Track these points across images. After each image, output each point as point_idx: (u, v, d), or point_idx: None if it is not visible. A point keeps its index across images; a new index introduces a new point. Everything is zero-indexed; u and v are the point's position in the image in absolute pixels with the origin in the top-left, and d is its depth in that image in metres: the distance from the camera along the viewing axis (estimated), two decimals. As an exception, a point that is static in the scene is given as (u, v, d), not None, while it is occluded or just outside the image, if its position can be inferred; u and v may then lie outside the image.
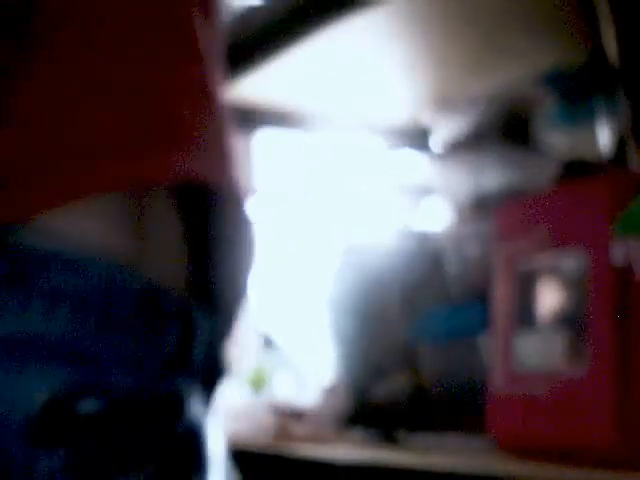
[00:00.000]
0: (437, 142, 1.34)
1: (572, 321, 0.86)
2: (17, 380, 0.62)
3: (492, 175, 1.19)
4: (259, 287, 2.42)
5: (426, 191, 1.42)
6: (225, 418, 1.34)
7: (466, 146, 1.25)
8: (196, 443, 0.71)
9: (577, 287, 0.86)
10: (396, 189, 1.51)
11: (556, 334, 0.87)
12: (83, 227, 0.67)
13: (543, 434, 0.88)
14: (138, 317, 0.69)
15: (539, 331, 0.90)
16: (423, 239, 1.27)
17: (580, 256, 0.86)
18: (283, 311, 2.15)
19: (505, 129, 1.23)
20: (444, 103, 1.38)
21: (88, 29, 0.67)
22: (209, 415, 0.78)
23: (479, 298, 1.06)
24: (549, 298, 0.89)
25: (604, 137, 1.16)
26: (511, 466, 0.87)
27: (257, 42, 1.25)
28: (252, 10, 1.28)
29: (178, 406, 0.71)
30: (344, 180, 1.98)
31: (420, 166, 1.58)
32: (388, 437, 1.11)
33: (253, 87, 1.37)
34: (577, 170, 1.12)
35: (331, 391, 1.28)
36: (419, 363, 1.21)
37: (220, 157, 0.71)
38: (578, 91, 1.18)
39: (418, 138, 1.57)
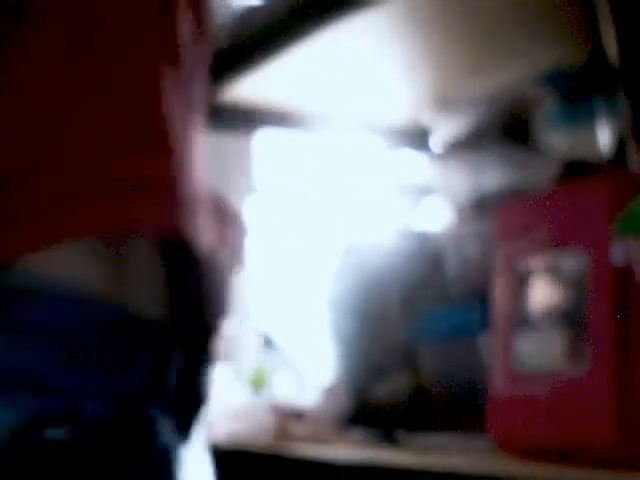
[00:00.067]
0: (437, 142, 1.34)
1: (572, 321, 0.86)
2: None
3: (492, 175, 1.19)
4: (259, 287, 2.42)
5: (426, 191, 1.42)
6: (225, 418, 1.35)
7: (466, 146, 1.25)
8: (167, 469, 0.72)
9: (577, 287, 0.86)
10: (396, 189, 1.51)
11: (556, 334, 0.87)
12: (57, 263, 0.68)
13: (543, 434, 0.88)
14: (107, 349, 0.70)
15: (539, 331, 0.90)
16: (423, 239, 1.27)
17: (580, 256, 0.86)
18: (283, 311, 2.15)
19: (505, 129, 1.23)
20: (444, 103, 1.38)
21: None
22: (188, 444, 0.79)
23: (479, 298, 1.06)
24: (549, 298, 0.89)
25: (604, 137, 1.16)
26: (511, 466, 0.87)
27: (257, 42, 1.25)
28: (252, 10, 1.28)
29: (148, 433, 0.72)
30: (344, 180, 1.98)
31: (420, 166, 1.58)
32: (388, 437, 1.11)
33: (253, 87, 1.38)
34: (577, 170, 1.12)
35: (331, 391, 1.28)
36: (419, 363, 1.21)
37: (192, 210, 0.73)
38: (578, 91, 1.18)
39: (418, 138, 1.57)
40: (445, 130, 1.32)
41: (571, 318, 0.86)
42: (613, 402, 0.81)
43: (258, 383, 1.57)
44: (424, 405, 1.19)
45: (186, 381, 0.78)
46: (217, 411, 1.35)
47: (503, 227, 0.98)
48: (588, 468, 0.80)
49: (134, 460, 0.71)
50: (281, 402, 1.30)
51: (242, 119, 1.48)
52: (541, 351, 0.89)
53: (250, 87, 1.37)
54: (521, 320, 0.92)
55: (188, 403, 0.80)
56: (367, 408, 1.25)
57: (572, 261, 0.87)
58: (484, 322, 1.00)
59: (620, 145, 1.13)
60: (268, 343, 1.93)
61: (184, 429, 0.79)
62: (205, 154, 0.81)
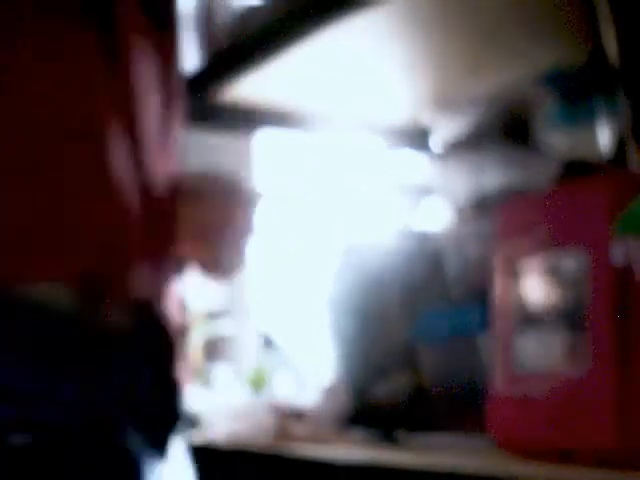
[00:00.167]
0: (437, 142, 1.34)
1: (572, 321, 0.86)
2: None
3: (492, 175, 1.19)
4: (259, 287, 2.42)
5: (426, 191, 1.42)
6: (225, 418, 1.35)
7: (466, 146, 1.25)
8: (132, 478, 0.75)
9: (577, 287, 0.86)
10: (396, 189, 1.51)
11: (556, 334, 0.87)
12: (39, 289, 0.72)
13: (543, 434, 0.88)
14: (75, 362, 0.74)
15: (539, 331, 0.90)
16: (423, 239, 1.27)
17: (580, 256, 0.86)
18: (283, 311, 2.15)
19: (505, 129, 1.23)
20: (444, 103, 1.38)
21: None
22: (164, 458, 0.81)
23: (479, 298, 1.06)
24: (549, 298, 0.89)
25: (604, 137, 1.16)
26: (511, 466, 0.87)
27: (257, 42, 1.25)
28: (252, 10, 1.28)
29: (113, 443, 0.74)
30: (344, 180, 1.98)
31: (420, 166, 1.58)
32: (388, 437, 1.11)
33: (253, 87, 1.37)
34: (577, 170, 1.12)
35: (331, 391, 1.28)
36: (419, 363, 1.21)
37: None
38: (578, 91, 1.18)
39: (418, 138, 1.57)
40: (445, 130, 1.32)
41: (571, 318, 0.86)
42: (613, 402, 0.81)
43: (258, 383, 1.57)
44: (424, 405, 1.19)
45: (157, 398, 0.81)
46: (217, 411, 1.35)
47: (503, 227, 0.98)
48: (588, 468, 0.80)
49: (97, 467, 0.74)
50: (281, 402, 1.30)
51: (242, 119, 1.48)
52: (541, 351, 0.89)
53: (250, 87, 1.37)
54: (521, 320, 0.92)
55: (161, 419, 0.82)
56: (367, 408, 1.25)
57: (572, 261, 0.87)
58: (484, 322, 1.00)
59: (620, 145, 1.13)
60: (268, 343, 1.93)
61: (158, 444, 0.81)
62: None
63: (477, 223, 1.18)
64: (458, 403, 1.14)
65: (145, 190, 0.83)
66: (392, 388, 1.22)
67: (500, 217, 0.99)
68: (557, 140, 1.18)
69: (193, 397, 1.43)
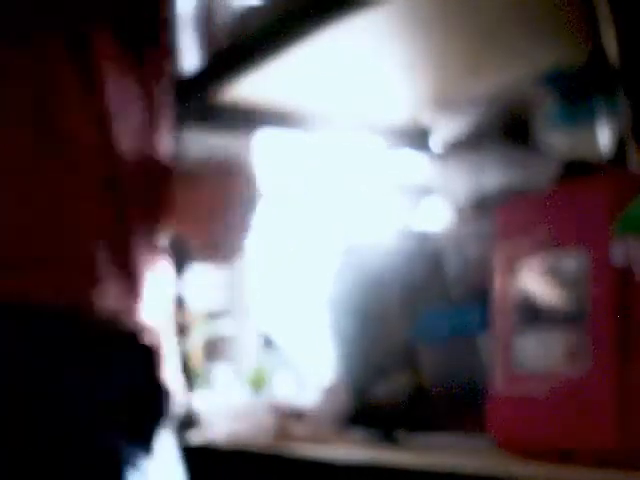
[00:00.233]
0: (437, 142, 1.34)
1: (572, 321, 0.86)
2: None
3: (492, 175, 1.19)
4: (259, 287, 2.42)
5: (426, 191, 1.42)
6: (225, 418, 1.35)
7: (466, 146, 1.25)
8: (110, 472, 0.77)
9: (577, 287, 0.86)
10: (396, 189, 1.51)
11: (556, 334, 0.87)
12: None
13: (543, 434, 0.88)
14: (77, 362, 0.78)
15: (539, 331, 0.90)
16: (423, 239, 1.27)
17: (580, 256, 0.86)
18: (283, 311, 2.15)
19: (505, 129, 1.23)
20: (444, 103, 1.38)
21: None
22: (150, 454, 0.82)
23: (479, 298, 1.06)
24: (549, 298, 0.89)
25: (604, 137, 1.16)
26: (511, 466, 0.87)
27: (257, 42, 1.25)
28: (252, 10, 1.28)
29: (95, 440, 0.77)
30: (344, 180, 1.98)
31: (420, 166, 1.58)
32: (388, 437, 1.11)
33: (253, 87, 1.37)
34: (577, 170, 1.12)
35: (331, 391, 1.28)
36: (419, 363, 1.21)
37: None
38: (578, 91, 1.18)
39: (418, 138, 1.57)
40: (445, 130, 1.32)
41: (571, 318, 0.86)
42: (613, 402, 0.81)
43: (258, 383, 1.57)
44: (424, 405, 1.19)
45: (139, 396, 0.82)
46: (217, 411, 1.35)
47: (503, 227, 0.98)
48: (588, 468, 0.80)
49: (81, 465, 0.76)
50: (281, 402, 1.30)
51: (242, 119, 1.48)
52: (541, 351, 0.89)
53: (250, 87, 1.37)
54: (521, 320, 0.92)
55: (147, 416, 0.83)
56: (367, 408, 1.25)
57: (572, 261, 0.87)
58: (484, 322, 1.00)
59: (620, 145, 1.13)
60: (268, 343, 1.93)
61: (144, 440, 0.83)
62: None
63: (477, 223, 1.18)
64: (458, 403, 1.14)
65: (120, 206, 0.86)
66: (392, 388, 1.22)
67: (500, 217, 0.99)
68: (557, 140, 1.18)
69: (193, 397, 1.43)
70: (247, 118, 1.49)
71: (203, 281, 2.30)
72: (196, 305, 1.85)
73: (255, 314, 2.42)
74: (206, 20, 1.39)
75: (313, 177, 2.15)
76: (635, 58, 1.07)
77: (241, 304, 2.45)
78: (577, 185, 0.91)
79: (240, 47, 1.31)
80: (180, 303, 1.44)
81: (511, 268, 0.95)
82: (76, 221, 0.83)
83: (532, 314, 0.91)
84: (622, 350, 0.81)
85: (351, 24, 1.14)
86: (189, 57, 1.41)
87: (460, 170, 1.23)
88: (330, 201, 2.03)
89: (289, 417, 1.25)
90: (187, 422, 1.40)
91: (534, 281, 0.92)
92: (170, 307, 1.07)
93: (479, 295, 1.07)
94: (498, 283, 0.97)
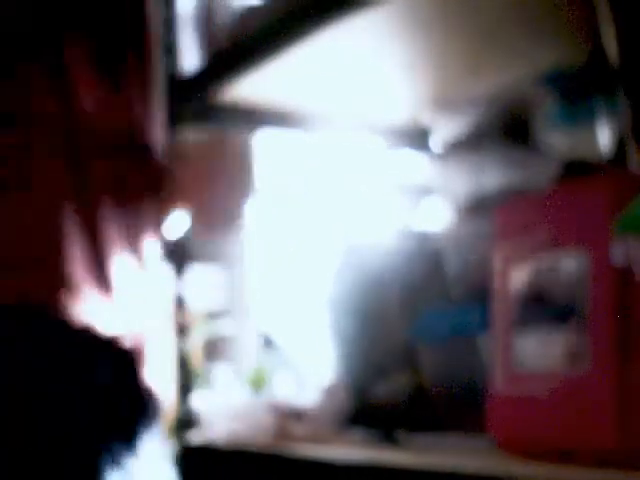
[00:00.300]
0: (437, 142, 1.34)
1: (572, 321, 0.86)
2: None
3: (492, 175, 1.19)
4: (259, 287, 2.42)
5: (426, 191, 1.42)
6: (225, 418, 1.35)
7: (466, 146, 1.25)
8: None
9: (577, 287, 0.86)
10: (396, 189, 1.51)
11: (556, 334, 0.87)
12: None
13: (543, 434, 0.88)
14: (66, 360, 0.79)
15: (539, 331, 0.90)
16: (423, 239, 1.27)
17: (580, 256, 0.86)
18: (283, 311, 2.15)
19: (505, 129, 1.23)
20: (444, 103, 1.38)
21: None
22: (135, 452, 0.83)
23: (479, 298, 1.06)
24: (549, 298, 0.89)
25: (604, 137, 1.16)
26: (511, 466, 0.87)
27: (257, 42, 1.25)
28: (252, 10, 1.28)
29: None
30: (344, 180, 1.98)
31: (420, 166, 1.58)
32: (388, 437, 1.11)
33: (253, 87, 1.37)
34: (577, 170, 1.12)
35: (331, 391, 1.28)
36: (419, 363, 1.21)
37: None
38: (578, 91, 1.18)
39: (418, 138, 1.57)
40: (445, 130, 1.32)
41: (571, 318, 0.86)
42: (613, 402, 0.81)
43: (258, 383, 1.57)
44: (424, 405, 1.19)
45: (120, 397, 0.83)
46: (217, 411, 1.35)
47: (503, 227, 0.98)
48: (588, 468, 0.80)
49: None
50: (281, 402, 1.30)
51: (242, 119, 1.48)
52: (541, 351, 0.89)
53: (250, 87, 1.37)
54: (521, 320, 0.92)
55: (128, 417, 0.83)
56: (367, 408, 1.25)
57: (572, 261, 0.87)
58: (484, 322, 1.00)
59: (620, 145, 1.13)
60: (268, 343, 1.93)
61: (126, 440, 0.83)
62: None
63: (477, 223, 1.18)
64: (458, 403, 1.14)
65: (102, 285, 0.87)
66: (392, 388, 1.22)
67: (500, 217, 0.99)
68: (557, 140, 1.18)
69: (193, 397, 1.43)
70: (247, 118, 1.49)
71: (203, 281, 2.30)
72: (196, 305, 1.85)
73: (255, 314, 2.42)
74: (206, 20, 1.39)
75: (313, 177, 2.15)
76: (635, 58, 1.07)
77: (241, 304, 2.45)
78: (577, 185, 0.91)
79: (240, 47, 1.31)
80: (180, 303, 1.44)
81: (511, 268, 0.95)
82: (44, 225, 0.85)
83: (532, 314, 0.91)
84: (622, 350, 0.81)
85: (351, 24, 1.14)
86: (189, 57, 1.41)
87: (460, 170, 1.23)
88: (330, 201, 2.03)
89: (289, 417, 1.25)
90: (187, 422, 1.40)
91: (534, 281, 0.92)
92: (164, 305, 1.08)
93: (479, 295, 1.07)
94: (498, 283, 0.97)
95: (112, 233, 0.90)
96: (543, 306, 0.90)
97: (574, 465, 0.81)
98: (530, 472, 0.83)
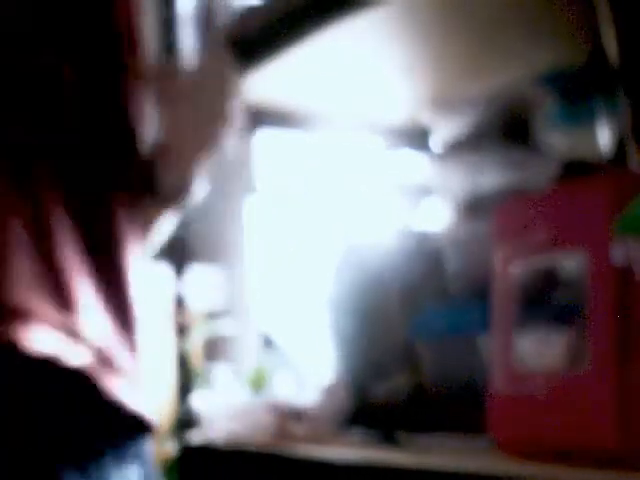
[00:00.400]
0: (436, 142, 1.34)
1: (572, 321, 0.86)
2: None
3: (491, 175, 1.19)
4: (259, 287, 2.42)
5: (426, 191, 1.42)
6: (224, 418, 1.34)
7: (465, 146, 1.25)
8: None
9: (577, 287, 0.86)
10: (396, 189, 1.51)
11: (556, 334, 0.87)
12: None
13: (543, 434, 0.88)
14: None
15: (539, 331, 0.90)
16: (423, 239, 1.27)
17: (580, 256, 0.86)
18: (283, 311, 2.15)
19: (505, 129, 1.23)
20: (443, 103, 1.38)
21: None
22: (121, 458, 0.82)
23: (479, 297, 1.06)
24: (549, 298, 0.89)
25: (604, 137, 1.16)
26: (511, 466, 0.87)
27: (257, 42, 1.25)
28: (252, 10, 1.28)
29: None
30: (344, 180, 1.98)
31: (419, 166, 1.58)
32: (388, 437, 1.11)
33: (253, 87, 1.37)
34: (577, 170, 1.12)
35: (331, 391, 1.28)
36: (419, 362, 1.21)
37: None
38: (578, 91, 1.18)
39: (417, 138, 1.57)
40: (444, 130, 1.32)
41: (571, 318, 0.86)
42: (613, 402, 0.81)
43: (258, 383, 1.57)
44: (424, 405, 1.19)
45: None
46: (217, 411, 1.35)
47: (503, 227, 0.98)
48: (588, 468, 0.80)
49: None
50: (281, 402, 1.30)
51: (242, 119, 1.48)
52: (541, 351, 0.89)
53: (250, 87, 1.37)
54: (521, 320, 0.92)
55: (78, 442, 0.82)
56: (367, 408, 1.25)
57: (572, 261, 0.87)
58: (484, 322, 1.00)
59: (620, 145, 1.13)
60: (268, 343, 1.93)
61: (113, 443, 0.82)
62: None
63: (477, 223, 1.18)
64: (458, 403, 1.14)
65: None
66: (392, 388, 1.22)
67: (500, 217, 0.99)
68: (557, 140, 1.18)
69: (193, 397, 1.43)
70: (247, 118, 1.49)
71: (203, 281, 2.31)
72: (196, 305, 1.85)
73: (255, 314, 2.42)
74: (206, 20, 1.39)
75: (313, 177, 2.15)
76: (635, 58, 1.07)
77: (241, 304, 2.45)
78: (577, 185, 0.91)
79: (240, 47, 1.31)
80: (180, 303, 1.44)
81: (511, 268, 0.95)
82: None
83: (532, 314, 0.91)
84: (622, 350, 0.81)
85: (351, 25, 1.14)
86: (189, 57, 1.41)
87: (459, 170, 1.23)
88: (330, 201, 2.03)
89: (289, 417, 1.25)
90: (187, 422, 1.40)
91: (534, 281, 0.92)
92: (164, 305, 1.05)
93: (479, 294, 1.07)
94: (498, 283, 0.97)
95: (71, 247, 0.83)
96: (543, 306, 0.90)
97: (574, 465, 0.81)
98: (530, 472, 0.83)
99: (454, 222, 1.25)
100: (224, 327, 2.27)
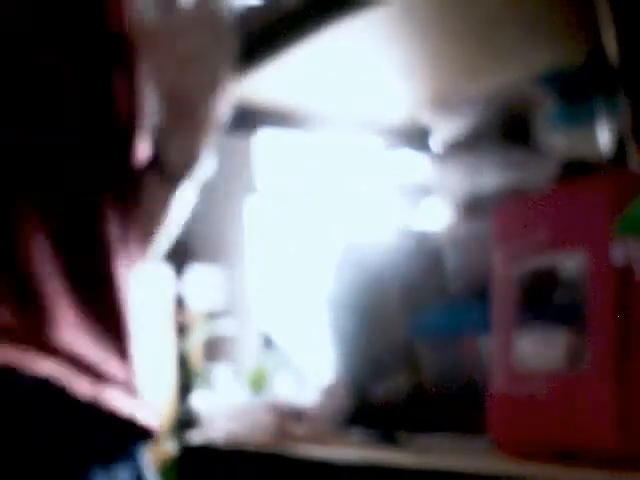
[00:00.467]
0: (436, 142, 1.34)
1: (572, 321, 0.86)
2: None
3: (490, 175, 1.19)
4: (260, 287, 2.42)
5: (425, 191, 1.42)
6: (224, 417, 1.34)
7: (465, 146, 1.25)
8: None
9: (577, 287, 0.86)
10: (395, 189, 1.51)
11: (556, 334, 0.87)
12: None
13: (543, 434, 0.88)
14: None
15: (539, 331, 0.90)
16: (422, 238, 1.27)
17: (580, 256, 0.86)
18: (283, 311, 2.15)
19: (504, 129, 1.23)
20: (443, 103, 1.38)
21: None
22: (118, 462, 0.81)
23: (479, 297, 1.06)
24: (549, 298, 0.89)
25: (604, 137, 1.16)
26: (511, 466, 0.87)
27: (257, 42, 1.25)
28: (252, 10, 1.28)
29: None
30: (344, 180, 1.99)
31: (419, 166, 1.58)
32: (388, 437, 1.11)
33: (253, 87, 1.38)
34: (577, 170, 1.12)
35: (331, 391, 1.28)
36: (418, 362, 1.21)
37: None
38: (578, 91, 1.18)
39: (417, 138, 1.57)
40: (444, 130, 1.32)
41: (571, 318, 0.86)
42: (613, 402, 0.81)
43: (258, 383, 1.57)
44: (424, 405, 1.19)
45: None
46: (217, 411, 1.35)
47: (503, 227, 0.98)
48: (588, 468, 0.80)
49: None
50: (281, 402, 1.30)
51: (242, 119, 1.48)
52: (541, 351, 0.89)
53: (250, 87, 1.37)
54: (521, 320, 0.92)
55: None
56: (367, 408, 1.25)
57: (572, 261, 0.87)
58: (484, 321, 1.00)
59: (620, 145, 1.13)
60: (268, 343, 1.93)
61: (109, 448, 0.81)
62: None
63: (476, 223, 1.18)
64: (458, 403, 1.14)
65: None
66: (391, 387, 1.22)
67: (500, 217, 0.99)
68: (557, 140, 1.18)
69: (193, 397, 1.43)
70: (247, 118, 1.49)
71: (203, 281, 2.31)
72: (196, 305, 1.85)
73: (255, 314, 2.42)
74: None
75: (313, 177, 2.16)
76: (635, 58, 1.07)
77: (241, 304, 2.45)
78: (577, 185, 0.91)
79: (240, 47, 1.31)
80: (180, 303, 1.44)
81: (511, 268, 0.95)
82: None
83: (532, 314, 0.91)
84: (622, 350, 0.81)
85: (350, 25, 1.14)
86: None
87: (458, 170, 1.23)
88: (330, 200, 2.03)
89: (289, 417, 1.25)
90: (187, 422, 1.40)
91: (534, 281, 0.92)
92: (164, 305, 1.04)
93: (479, 295, 1.07)
94: (498, 283, 0.97)
95: (47, 254, 0.81)
96: (543, 306, 0.90)
97: (574, 465, 0.81)
98: (530, 472, 0.83)
99: (454, 222, 1.25)
100: (224, 327, 2.28)
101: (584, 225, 0.87)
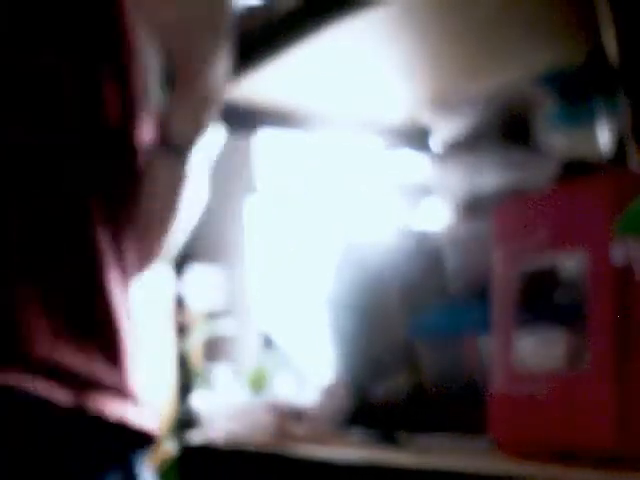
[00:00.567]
0: (436, 142, 1.34)
1: (572, 321, 0.86)
2: None
3: (490, 175, 1.19)
4: (260, 287, 2.42)
5: (425, 191, 1.42)
6: (224, 417, 1.34)
7: (465, 146, 1.25)
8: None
9: (577, 287, 0.86)
10: (396, 189, 1.51)
11: (556, 334, 0.87)
12: None
13: (543, 434, 0.88)
14: None
15: (539, 331, 0.90)
16: (422, 238, 1.27)
17: (580, 256, 0.86)
18: (283, 311, 2.15)
19: (504, 129, 1.23)
20: (443, 103, 1.38)
21: None
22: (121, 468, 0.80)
23: (479, 297, 1.06)
24: (549, 298, 0.89)
25: (604, 137, 1.16)
26: (511, 466, 0.87)
27: (257, 42, 1.25)
28: (252, 10, 1.28)
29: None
30: (344, 180, 1.99)
31: (419, 166, 1.58)
32: (388, 437, 1.11)
33: (253, 87, 1.38)
34: (577, 170, 1.12)
35: (331, 391, 1.28)
36: (418, 362, 1.21)
37: None
38: (578, 91, 1.18)
39: (417, 138, 1.57)
40: (444, 130, 1.32)
41: (571, 318, 0.86)
42: (613, 402, 0.81)
43: (258, 383, 1.57)
44: (424, 405, 1.19)
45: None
46: (217, 411, 1.35)
47: (503, 227, 0.98)
48: (588, 468, 0.80)
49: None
50: (281, 402, 1.30)
51: (242, 119, 1.48)
52: (541, 351, 0.89)
53: (250, 87, 1.37)
54: (521, 320, 0.92)
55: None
56: (367, 408, 1.25)
57: (572, 261, 0.87)
58: (484, 321, 1.00)
59: (620, 145, 1.13)
60: (268, 343, 1.93)
61: (114, 455, 0.81)
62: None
63: (476, 223, 1.18)
64: (458, 403, 1.14)
65: None
66: (391, 387, 1.22)
67: (500, 217, 0.99)
68: (557, 140, 1.18)
69: (193, 397, 1.43)
70: (247, 118, 1.49)
71: (203, 281, 2.31)
72: (196, 305, 1.85)
73: (255, 314, 2.42)
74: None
75: (313, 177, 2.16)
76: (635, 58, 1.07)
77: (241, 304, 2.45)
78: (577, 185, 0.91)
79: (240, 47, 1.31)
80: (180, 303, 1.44)
81: (511, 268, 0.95)
82: None
83: (532, 314, 0.91)
84: (622, 350, 0.81)
85: (350, 25, 1.14)
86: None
87: (458, 170, 1.23)
88: (330, 201, 2.03)
89: (289, 417, 1.25)
90: (187, 422, 1.40)
91: (534, 281, 0.92)
92: (164, 305, 1.03)
93: (479, 295, 1.07)
94: (498, 283, 0.97)
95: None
96: (543, 306, 0.90)
97: (574, 465, 0.81)
98: (530, 472, 0.83)
99: (454, 222, 1.25)
100: (224, 327, 2.27)
101: (584, 225, 0.87)
